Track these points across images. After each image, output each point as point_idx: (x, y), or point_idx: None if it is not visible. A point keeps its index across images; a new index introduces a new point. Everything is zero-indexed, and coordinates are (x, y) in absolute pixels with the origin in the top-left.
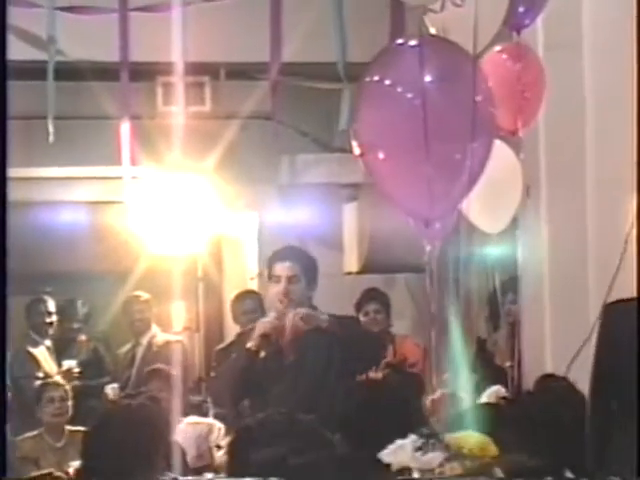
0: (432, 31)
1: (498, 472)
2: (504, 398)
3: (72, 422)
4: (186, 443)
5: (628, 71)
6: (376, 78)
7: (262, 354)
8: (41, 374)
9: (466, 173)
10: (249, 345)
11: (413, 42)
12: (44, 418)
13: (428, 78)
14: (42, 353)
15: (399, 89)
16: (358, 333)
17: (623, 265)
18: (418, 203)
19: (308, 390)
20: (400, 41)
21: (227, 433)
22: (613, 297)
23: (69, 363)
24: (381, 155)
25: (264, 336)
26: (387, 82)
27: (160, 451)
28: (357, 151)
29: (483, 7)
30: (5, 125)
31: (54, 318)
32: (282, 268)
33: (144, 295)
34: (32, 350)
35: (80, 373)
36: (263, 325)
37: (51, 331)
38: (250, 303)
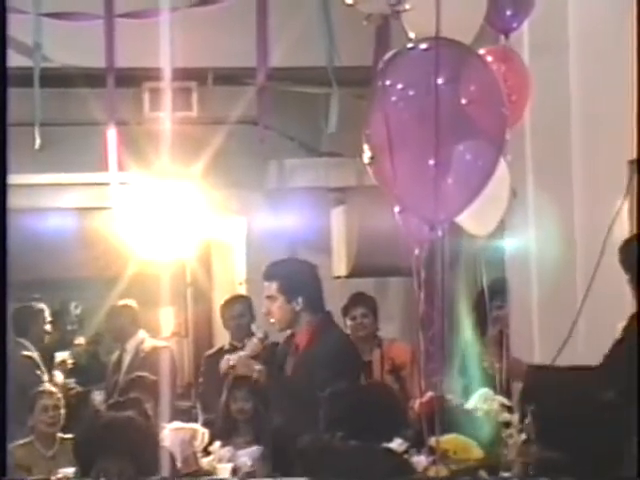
0: (411, 35)
1: (483, 475)
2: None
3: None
4: (171, 449)
5: (614, 73)
6: (388, 82)
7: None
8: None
9: (477, 175)
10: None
11: (424, 45)
12: (37, 426)
13: (439, 80)
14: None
15: (410, 92)
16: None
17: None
18: (426, 206)
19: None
20: (410, 45)
21: (212, 439)
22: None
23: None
24: (391, 157)
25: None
26: (399, 86)
27: (147, 457)
28: (368, 154)
29: (464, 8)
30: (5, 132)
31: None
32: (265, 288)
33: (130, 302)
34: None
35: (71, 379)
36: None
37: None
38: (239, 308)
